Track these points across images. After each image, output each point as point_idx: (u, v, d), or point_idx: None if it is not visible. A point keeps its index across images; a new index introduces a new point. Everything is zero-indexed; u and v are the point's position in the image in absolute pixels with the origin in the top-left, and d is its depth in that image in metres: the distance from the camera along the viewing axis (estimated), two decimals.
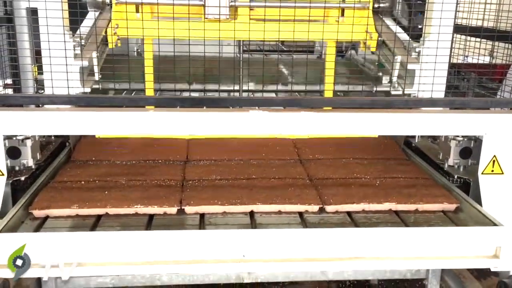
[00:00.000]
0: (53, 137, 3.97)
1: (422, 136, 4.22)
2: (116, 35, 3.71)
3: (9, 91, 3.93)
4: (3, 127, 2.75)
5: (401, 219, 3.01)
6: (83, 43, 3.53)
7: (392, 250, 2.79)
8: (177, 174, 3.42)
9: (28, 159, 3.40)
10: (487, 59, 4.70)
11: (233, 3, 3.74)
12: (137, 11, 3.82)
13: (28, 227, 2.82)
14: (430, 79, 3.54)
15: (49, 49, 3.29)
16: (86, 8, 3.98)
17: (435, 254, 2.81)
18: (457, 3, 3.65)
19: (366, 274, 3.38)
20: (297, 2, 3.66)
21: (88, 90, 3.52)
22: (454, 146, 3.64)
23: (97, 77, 3.63)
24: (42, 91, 3.59)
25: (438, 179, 3.52)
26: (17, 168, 3.38)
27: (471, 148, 3.63)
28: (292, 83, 4.75)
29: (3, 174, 2.82)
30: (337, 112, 2.94)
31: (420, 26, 3.97)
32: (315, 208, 3.03)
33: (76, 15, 3.46)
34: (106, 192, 3.10)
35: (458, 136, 3.64)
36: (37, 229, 2.80)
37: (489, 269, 2.88)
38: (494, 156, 3.02)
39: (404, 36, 4.02)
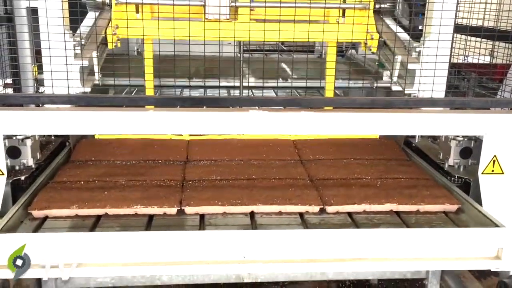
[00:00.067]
0: (53, 137, 3.97)
1: (422, 136, 4.21)
2: (116, 36, 3.71)
3: (9, 91, 3.93)
4: (3, 127, 2.74)
5: (402, 220, 3.00)
6: (83, 43, 3.53)
7: (394, 251, 2.77)
8: (177, 174, 3.41)
9: (28, 159, 3.39)
10: (487, 59, 4.70)
11: (233, 4, 3.73)
12: (137, 11, 3.81)
13: (27, 227, 2.81)
14: (430, 79, 3.54)
15: (49, 48, 3.29)
16: (86, 8, 3.97)
17: (437, 256, 2.79)
18: (457, 3, 3.65)
19: (366, 274, 3.38)
20: (297, 2, 3.66)
21: (88, 89, 3.52)
22: (454, 146, 3.64)
23: (97, 76, 3.63)
24: (42, 87, 3.59)
25: (438, 179, 3.51)
26: (17, 167, 3.38)
27: (471, 148, 3.63)
28: (292, 79, 4.74)
29: (3, 174, 2.82)
30: (337, 112, 2.94)
31: (420, 27, 3.97)
32: (316, 208, 3.02)
33: (76, 14, 3.46)
34: (106, 193, 3.09)
35: (458, 136, 3.63)
36: (36, 229, 2.79)
37: (489, 269, 2.87)
38: (494, 156, 3.02)
39: (404, 36, 4.01)
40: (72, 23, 3.55)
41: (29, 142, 3.37)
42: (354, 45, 5.78)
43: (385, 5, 4.11)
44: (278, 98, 3.81)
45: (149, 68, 4.01)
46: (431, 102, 3.30)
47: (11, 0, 3.67)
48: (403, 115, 2.96)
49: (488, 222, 2.92)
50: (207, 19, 3.71)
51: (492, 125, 2.96)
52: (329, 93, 4.19)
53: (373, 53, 4.10)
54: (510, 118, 2.96)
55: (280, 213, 3.01)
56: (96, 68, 3.60)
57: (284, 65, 5.36)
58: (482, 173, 3.05)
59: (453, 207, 3.11)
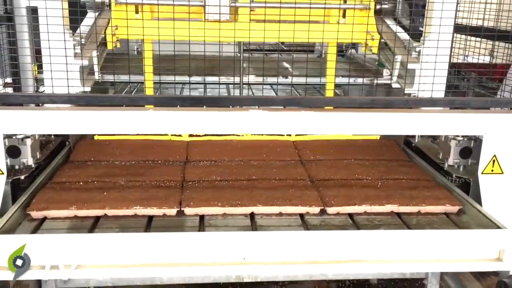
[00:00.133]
0: (53, 136, 3.96)
1: (422, 136, 4.21)
2: (116, 36, 3.70)
3: (9, 90, 3.92)
4: (3, 126, 2.74)
5: (403, 221, 2.98)
6: (83, 42, 3.52)
7: (395, 252, 2.76)
8: (177, 175, 3.40)
9: (28, 158, 3.39)
10: (487, 59, 4.70)
11: (233, 4, 3.72)
12: (136, 11, 3.80)
13: (26, 228, 2.79)
14: (430, 78, 3.54)
15: (49, 48, 3.28)
16: (85, 7, 3.97)
17: (438, 257, 2.78)
18: (457, 3, 3.64)
19: (366, 273, 3.37)
20: (297, 3, 3.65)
21: (88, 89, 3.52)
22: (454, 146, 3.64)
23: (97, 76, 3.62)
24: (42, 86, 3.58)
25: (438, 180, 3.51)
26: (17, 167, 3.38)
27: (471, 148, 3.63)
28: (292, 76, 4.74)
29: (3, 173, 2.82)
30: (337, 112, 2.94)
31: (420, 28, 3.97)
32: (316, 209, 3.01)
33: (76, 14, 3.45)
34: (105, 193, 3.08)
35: (458, 135, 3.63)
36: (35, 230, 2.78)
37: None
38: (494, 155, 3.02)
39: (404, 35, 4.01)
40: (72, 22, 3.54)
41: (29, 142, 3.37)
42: (354, 45, 5.77)
43: (386, 6, 4.11)
44: (278, 98, 3.82)
45: (148, 68, 4.00)
46: (431, 102, 3.30)
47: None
48: (403, 115, 2.96)
49: (489, 223, 2.91)
50: (207, 19, 3.70)
51: (492, 125, 2.96)
52: (329, 93, 4.18)
53: (373, 53, 4.10)
54: (510, 118, 2.97)
55: (280, 214, 3.00)
56: (96, 68, 3.59)
57: (285, 64, 5.36)
58: (482, 173, 3.05)
59: (454, 208, 3.09)
